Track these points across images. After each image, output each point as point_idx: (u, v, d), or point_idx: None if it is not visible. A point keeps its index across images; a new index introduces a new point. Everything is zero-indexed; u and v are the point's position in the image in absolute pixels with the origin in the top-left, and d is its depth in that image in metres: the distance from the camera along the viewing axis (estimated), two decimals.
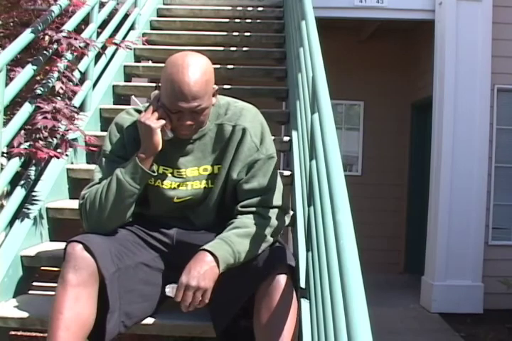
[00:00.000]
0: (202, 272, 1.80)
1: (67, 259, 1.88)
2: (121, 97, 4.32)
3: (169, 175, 2.07)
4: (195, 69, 1.89)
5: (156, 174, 2.02)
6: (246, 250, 1.89)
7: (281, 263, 1.89)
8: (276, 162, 2.12)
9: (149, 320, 2.11)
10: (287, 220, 2.10)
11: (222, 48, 4.90)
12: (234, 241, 1.88)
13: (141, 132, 1.99)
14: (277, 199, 2.05)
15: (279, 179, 2.12)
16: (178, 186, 2.08)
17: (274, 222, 1.99)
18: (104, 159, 2.07)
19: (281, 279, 1.86)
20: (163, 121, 1.96)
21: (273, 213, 2.01)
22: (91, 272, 1.86)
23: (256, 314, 1.87)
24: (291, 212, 2.81)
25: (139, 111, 2.11)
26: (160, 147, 1.98)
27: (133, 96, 2.30)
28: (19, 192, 2.68)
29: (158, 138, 1.97)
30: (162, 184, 2.06)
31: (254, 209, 2.00)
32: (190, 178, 2.08)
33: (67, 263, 1.87)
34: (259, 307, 1.86)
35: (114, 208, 1.98)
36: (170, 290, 1.85)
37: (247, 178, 2.05)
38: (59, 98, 2.88)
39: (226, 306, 1.93)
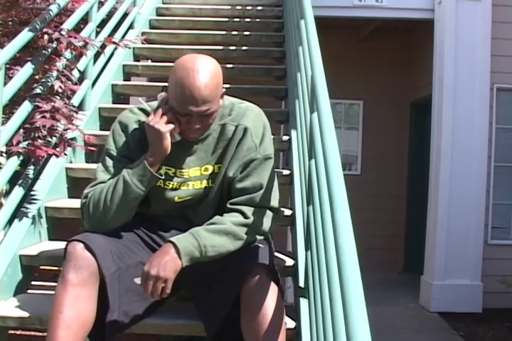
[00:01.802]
0: (162, 262, 1.82)
1: (67, 258, 1.88)
2: (120, 96, 4.32)
3: (172, 175, 2.07)
4: (206, 73, 1.89)
5: (163, 177, 2.03)
6: (214, 245, 1.89)
7: (255, 264, 1.88)
8: (274, 163, 2.11)
9: (148, 320, 2.11)
10: (275, 222, 2.07)
11: (221, 47, 4.90)
12: (201, 235, 1.89)
13: (149, 136, 1.98)
14: (268, 200, 2.04)
15: (275, 180, 2.11)
16: (180, 186, 2.08)
17: (255, 221, 1.98)
18: (107, 158, 2.06)
19: (257, 280, 1.85)
20: (172, 126, 1.96)
21: (258, 213, 2.00)
22: (91, 271, 1.86)
23: (241, 316, 1.88)
24: (286, 213, 2.82)
25: (142, 110, 2.11)
26: (169, 151, 1.98)
27: (139, 98, 2.30)
28: (18, 191, 2.68)
29: (168, 142, 1.97)
30: (164, 184, 2.06)
31: (240, 207, 2.00)
32: (191, 178, 2.08)
33: (67, 262, 1.87)
34: (243, 309, 1.87)
35: (119, 209, 1.98)
36: (139, 278, 1.87)
37: (241, 177, 2.05)
38: (58, 97, 2.87)
39: (214, 310, 1.94)
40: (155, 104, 2.11)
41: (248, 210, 1.99)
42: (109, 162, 2.05)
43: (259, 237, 2.03)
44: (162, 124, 1.95)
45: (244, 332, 1.86)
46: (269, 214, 2.04)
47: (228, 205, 2.02)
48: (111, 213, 1.98)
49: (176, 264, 1.84)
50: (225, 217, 1.97)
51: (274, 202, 2.07)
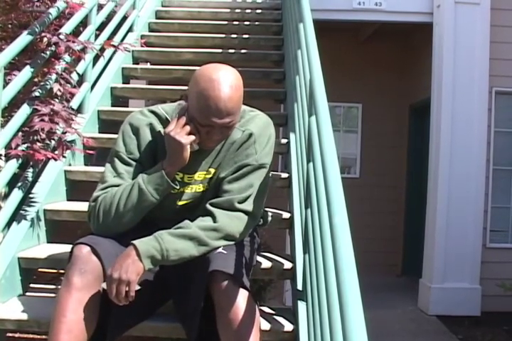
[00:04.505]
0: (124, 265, 1.81)
1: (73, 261, 1.87)
2: (119, 99, 4.33)
3: (179, 179, 2.07)
4: (231, 85, 1.89)
5: (178, 187, 2.03)
6: (176, 249, 1.88)
7: (219, 271, 1.84)
8: (267, 174, 2.11)
9: (147, 322, 2.11)
10: (250, 227, 2.06)
11: (220, 50, 4.91)
12: (164, 239, 1.88)
13: (169, 146, 1.98)
14: (248, 205, 2.02)
15: (264, 191, 2.10)
16: (184, 190, 2.09)
17: (225, 226, 1.96)
18: (116, 160, 2.06)
19: (223, 287, 1.83)
20: (193, 137, 1.96)
21: (232, 217, 1.99)
22: (96, 275, 1.87)
23: (217, 322, 1.86)
24: (284, 216, 2.82)
25: (153, 112, 2.11)
26: (187, 161, 1.99)
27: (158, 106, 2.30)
28: (17, 194, 2.68)
29: (187, 153, 1.97)
30: (172, 189, 2.06)
31: (214, 209, 1.99)
32: (196, 182, 2.09)
33: (73, 265, 1.87)
34: (216, 314, 1.84)
35: (131, 216, 1.99)
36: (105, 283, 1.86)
37: (230, 179, 2.05)
38: (57, 100, 2.88)
39: (189, 315, 1.93)
40: (167, 107, 2.11)
41: (220, 214, 1.97)
42: (119, 165, 2.05)
43: (228, 242, 1.98)
44: (183, 136, 1.95)
45: (220, 336, 1.85)
46: (245, 219, 2.02)
47: (207, 205, 2.01)
48: (122, 219, 1.98)
49: (137, 267, 1.83)
50: (195, 221, 1.96)
51: (255, 209, 2.05)
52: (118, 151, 2.07)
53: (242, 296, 1.82)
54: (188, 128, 1.95)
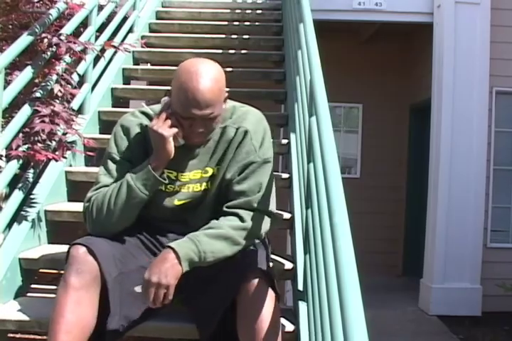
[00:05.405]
0: (163, 269, 1.81)
1: (70, 262, 1.88)
2: (120, 100, 4.33)
3: (173, 178, 2.08)
4: (209, 77, 1.91)
5: (167, 181, 2.03)
6: (213, 250, 1.89)
7: (251, 269, 1.88)
8: (273, 167, 2.11)
9: (149, 322, 2.10)
10: (268, 224, 2.09)
11: (220, 51, 4.91)
12: (201, 241, 1.89)
13: (153, 140, 2.00)
14: (265, 204, 2.04)
15: (273, 184, 2.12)
16: (180, 189, 2.09)
17: (252, 225, 1.98)
18: (109, 161, 2.07)
19: (254, 285, 1.84)
20: (175, 129, 1.97)
21: (254, 216, 2.01)
22: (94, 276, 1.87)
23: (238, 321, 1.87)
24: (285, 216, 2.82)
25: (144, 114, 2.12)
26: (172, 155, 1.99)
27: (143, 103, 2.31)
28: (17, 195, 2.68)
29: (171, 146, 1.98)
30: (166, 188, 2.07)
31: (237, 210, 2.00)
32: (192, 181, 2.09)
33: (70, 265, 1.87)
34: (240, 314, 1.86)
35: (123, 213, 1.99)
36: (140, 287, 1.86)
37: (239, 179, 2.05)
38: (57, 101, 2.88)
39: (209, 314, 1.93)
40: (157, 107, 2.12)
41: (245, 214, 1.99)
42: (111, 165, 2.06)
43: (255, 241, 2.03)
44: (165, 128, 1.96)
45: (241, 337, 1.85)
46: (265, 217, 2.05)
47: (225, 208, 2.02)
48: (114, 217, 1.98)
49: (177, 270, 1.83)
50: (222, 221, 1.97)
51: (271, 205, 2.08)
52: (110, 152, 2.08)
53: (270, 295, 1.85)
54: (169, 121, 1.97)
